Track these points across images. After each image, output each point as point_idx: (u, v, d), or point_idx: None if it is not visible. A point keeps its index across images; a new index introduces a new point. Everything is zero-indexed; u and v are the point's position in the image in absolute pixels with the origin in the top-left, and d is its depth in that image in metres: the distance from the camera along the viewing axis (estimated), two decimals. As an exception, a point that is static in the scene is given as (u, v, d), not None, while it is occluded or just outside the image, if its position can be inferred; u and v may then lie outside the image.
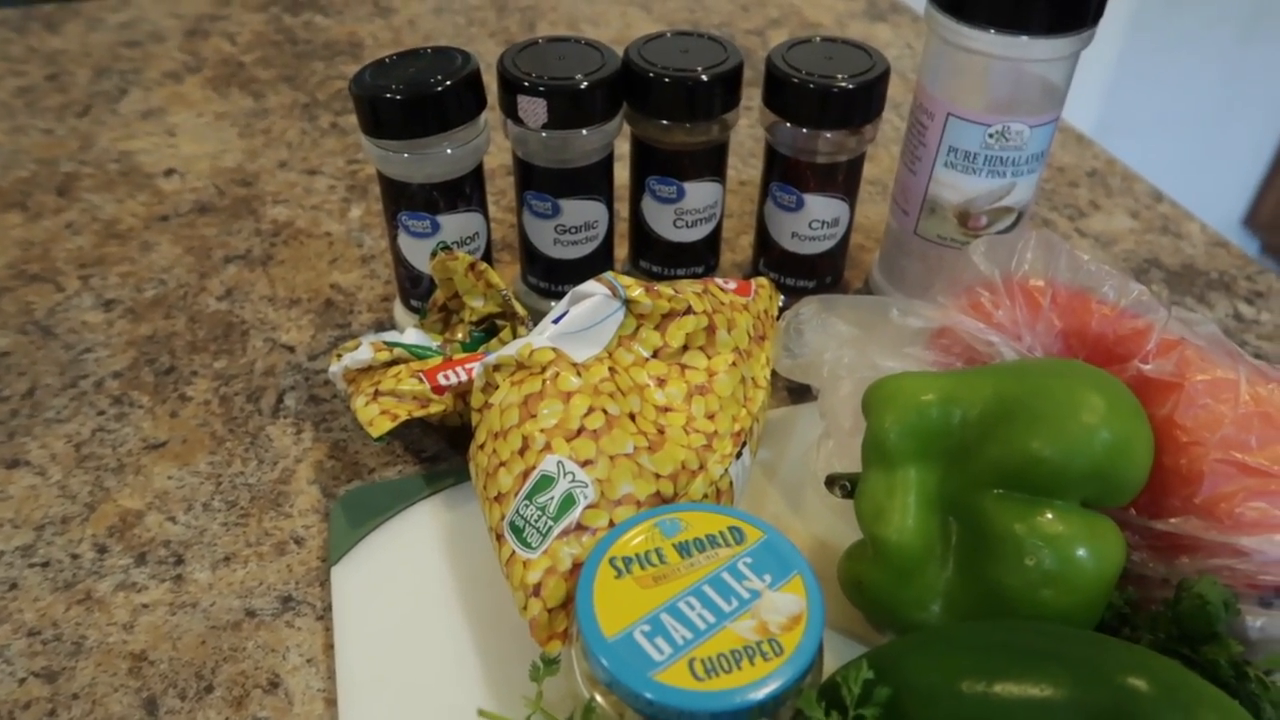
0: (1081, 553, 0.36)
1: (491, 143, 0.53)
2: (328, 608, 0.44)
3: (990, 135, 0.52)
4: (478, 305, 0.52)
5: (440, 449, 0.52)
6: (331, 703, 0.41)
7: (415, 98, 0.48)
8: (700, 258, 0.59)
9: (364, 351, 0.48)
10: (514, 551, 0.40)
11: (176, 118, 0.80)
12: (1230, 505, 0.36)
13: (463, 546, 0.46)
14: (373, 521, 0.47)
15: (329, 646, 0.43)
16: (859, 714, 0.34)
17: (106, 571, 0.46)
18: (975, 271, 0.44)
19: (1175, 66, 1.82)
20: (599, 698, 0.35)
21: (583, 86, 0.50)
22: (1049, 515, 0.37)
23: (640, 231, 0.59)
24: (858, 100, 0.52)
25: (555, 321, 0.45)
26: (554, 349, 0.43)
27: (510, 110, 0.51)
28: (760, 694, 0.32)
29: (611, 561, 0.37)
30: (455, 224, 0.53)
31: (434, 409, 0.47)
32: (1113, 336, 0.41)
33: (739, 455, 0.45)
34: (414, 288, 0.56)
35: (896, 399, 0.41)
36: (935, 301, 0.45)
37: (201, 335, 0.59)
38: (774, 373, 0.50)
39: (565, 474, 0.40)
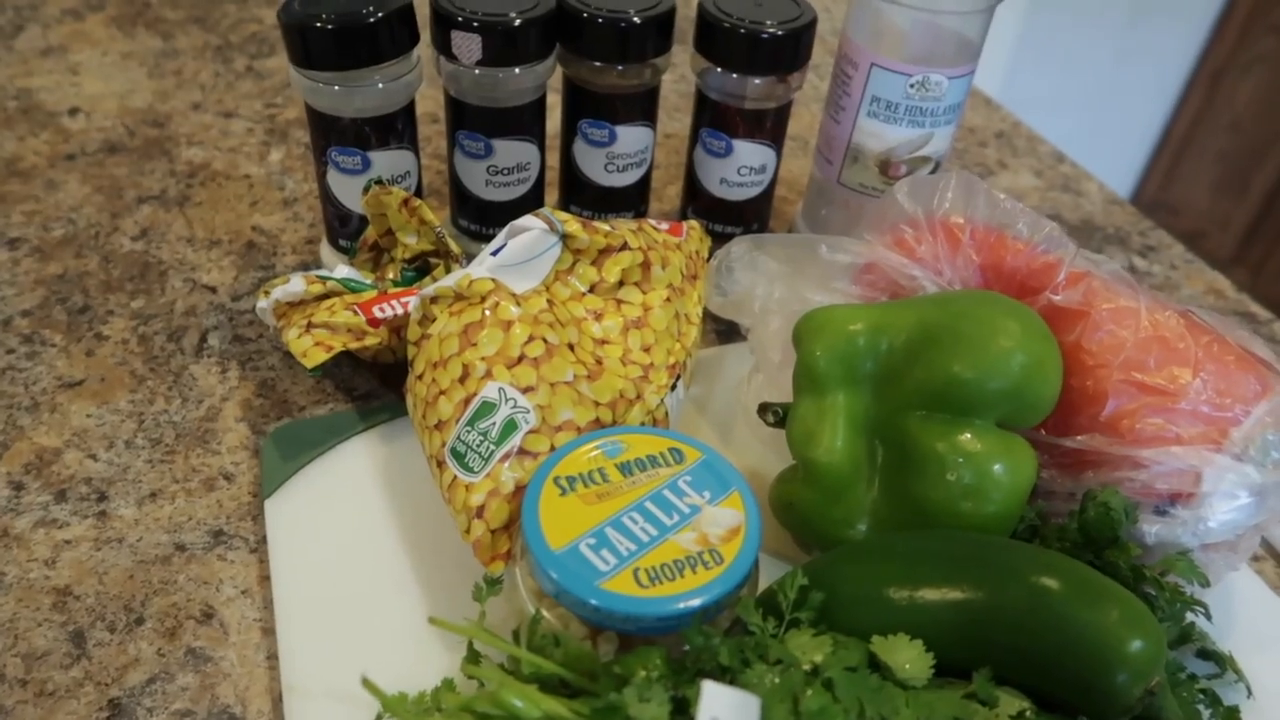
0: (998, 468, 0.38)
1: (423, 81, 0.53)
2: (261, 540, 0.44)
3: (911, 85, 0.54)
4: (411, 242, 0.51)
5: (372, 387, 0.52)
6: (269, 632, 0.41)
7: (347, 27, 0.47)
8: (631, 203, 0.60)
9: (296, 284, 0.48)
10: (456, 476, 0.40)
11: (79, 56, 0.76)
12: (1131, 421, 0.39)
13: (400, 478, 0.46)
14: (306, 455, 0.46)
15: (264, 578, 0.42)
16: (794, 617, 0.36)
17: (24, 509, 0.44)
18: (899, 210, 0.46)
19: (1070, 48, 1.90)
20: (545, 611, 0.36)
21: (517, 24, 0.50)
22: (968, 434, 0.39)
23: (571, 175, 0.59)
24: (786, 47, 0.53)
25: (494, 254, 0.45)
26: (493, 280, 0.44)
27: (444, 46, 0.51)
28: (702, 599, 0.34)
29: (556, 480, 0.37)
30: (387, 161, 0.53)
31: (369, 341, 0.47)
32: (1026, 270, 0.43)
33: (673, 387, 0.46)
34: (342, 227, 0.55)
35: (826, 329, 0.42)
36: (861, 239, 0.47)
37: (116, 275, 0.57)
38: (705, 313, 0.51)
39: (507, 400, 0.41)
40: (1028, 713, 0.33)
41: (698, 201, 0.60)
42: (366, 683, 0.31)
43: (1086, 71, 1.97)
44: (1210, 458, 0.37)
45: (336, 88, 0.50)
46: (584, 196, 0.59)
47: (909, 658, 0.34)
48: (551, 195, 0.62)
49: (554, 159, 0.60)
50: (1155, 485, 0.38)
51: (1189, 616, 0.40)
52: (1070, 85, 1.95)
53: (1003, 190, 0.72)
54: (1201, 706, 0.38)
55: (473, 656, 0.36)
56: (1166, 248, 0.68)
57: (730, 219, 0.60)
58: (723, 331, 0.57)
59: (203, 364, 0.52)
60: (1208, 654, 0.41)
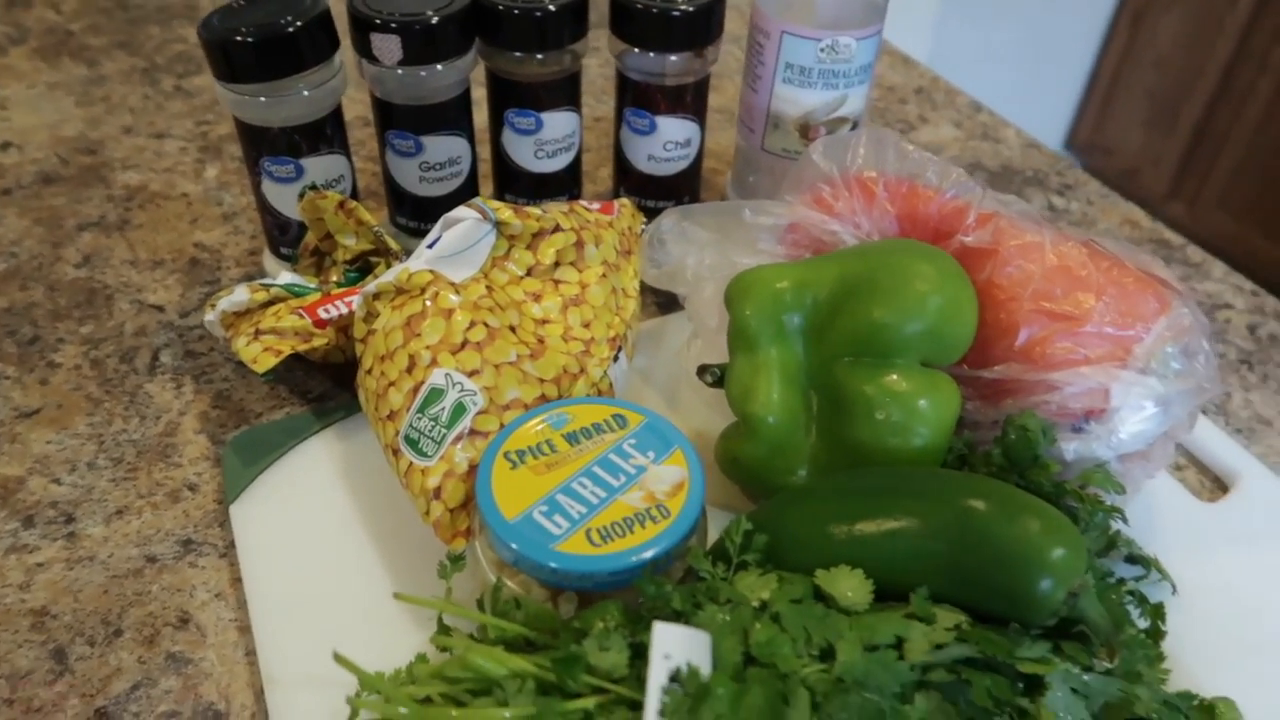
0: (923, 404, 0.41)
1: (349, 85, 0.54)
2: (230, 545, 0.45)
3: (822, 49, 0.56)
4: (350, 243, 0.53)
5: (326, 388, 0.53)
6: (245, 630, 0.42)
7: (267, 38, 0.48)
8: (564, 187, 0.62)
9: (240, 294, 0.49)
10: (411, 462, 0.42)
11: (5, 90, 0.76)
12: (1043, 348, 0.41)
13: (359, 472, 0.47)
14: (267, 459, 0.48)
15: (236, 580, 0.44)
16: (742, 560, 0.38)
17: (-7, 537, 0.45)
18: (816, 170, 0.48)
19: (990, 3, 1.94)
20: (506, 579, 0.38)
21: (435, 21, 0.51)
22: (894, 375, 0.41)
23: (503, 165, 0.60)
24: (699, 22, 0.55)
25: (430, 246, 0.46)
26: (431, 271, 0.45)
27: (364, 49, 0.52)
28: (652, 551, 0.36)
29: (506, 455, 0.39)
30: (320, 166, 0.54)
31: (317, 343, 0.48)
32: (938, 215, 0.45)
33: (616, 359, 0.48)
34: (282, 235, 0.56)
35: (754, 288, 0.44)
36: (783, 200, 0.49)
37: (63, 303, 0.58)
38: (643, 286, 0.53)
39: (454, 385, 0.42)
40: (963, 625, 0.36)
41: (628, 180, 0.62)
42: (339, 657, 0.32)
43: (1015, 20, 2.00)
44: (1117, 374, 0.40)
45: (262, 99, 0.51)
46: (518, 185, 0.61)
47: (850, 586, 0.36)
48: (486, 187, 0.64)
49: (487, 151, 0.61)
50: (1069, 405, 0.40)
51: (1114, 526, 0.43)
52: (1000, 36, 1.98)
53: (924, 143, 0.75)
54: (1131, 607, 0.41)
55: (442, 629, 0.38)
56: (1083, 185, 0.71)
57: (661, 194, 0.62)
58: (662, 303, 0.59)
59: (157, 382, 0.53)
60: (1134, 558, 0.43)
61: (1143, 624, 0.40)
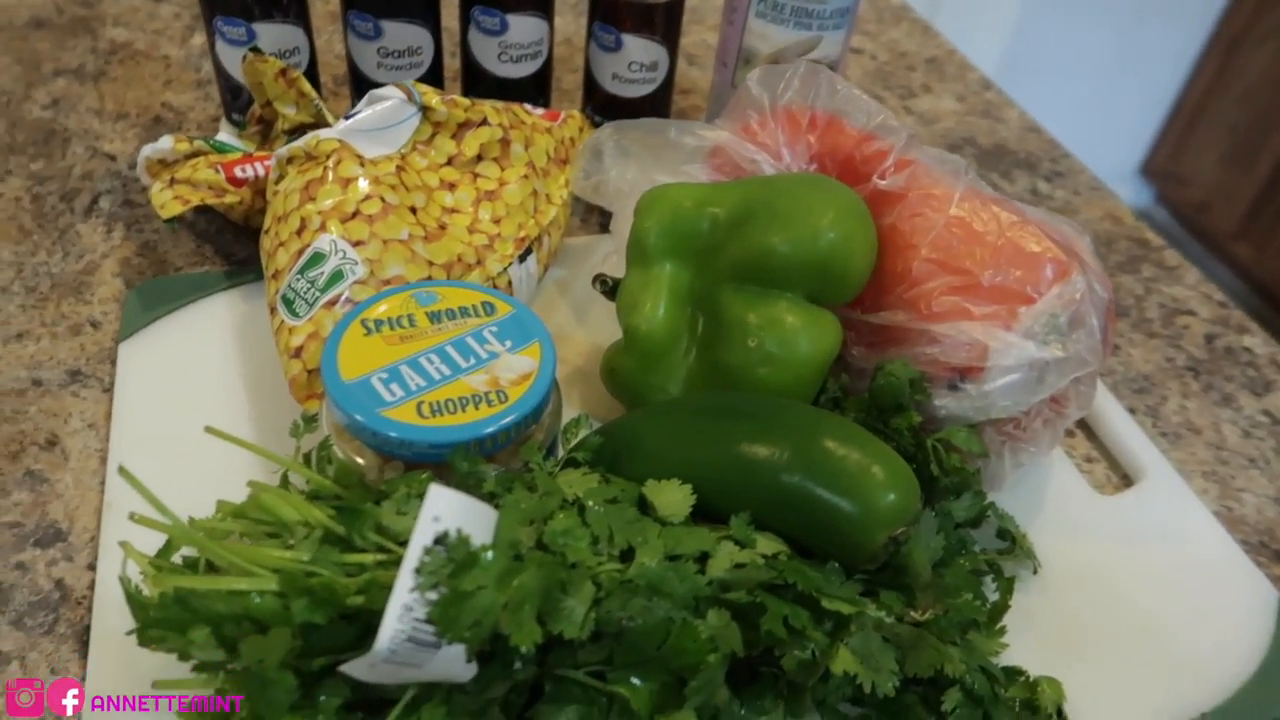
0: (798, 338, 0.40)
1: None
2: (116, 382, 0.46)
3: (796, -16, 0.54)
4: (290, 113, 0.53)
5: (250, 253, 0.53)
6: (107, 461, 0.43)
7: (225, -107, 0.49)
8: (528, 95, 0.61)
9: (165, 142, 0.49)
10: (283, 321, 0.42)
11: (23, -62, 0.78)
12: (930, 299, 0.40)
13: (252, 332, 0.48)
14: (167, 306, 0.48)
15: (112, 415, 0.45)
16: (572, 457, 0.37)
17: (-106, 340, 0.47)
18: (751, 98, 0.47)
19: (1081, 9, 1.86)
20: (343, 442, 0.38)
21: (401, -99, 0.51)
22: (775, 305, 0.40)
23: (469, 66, 0.60)
24: (672, -61, 0.54)
25: (347, 118, 0.46)
26: (340, 140, 0.45)
27: (329, -79, 0.52)
28: (477, 433, 0.35)
29: (363, 322, 0.39)
30: (273, 34, 0.54)
31: (229, 199, 0.48)
32: (859, 156, 0.44)
33: (523, 259, 0.48)
34: (234, 100, 0.57)
35: (658, 204, 0.44)
36: (712, 125, 0.48)
37: (20, 139, 0.59)
38: (591, 206, 0.52)
39: (337, 251, 0.42)
40: (783, 555, 0.35)
41: (594, 97, 0.61)
42: (123, 471, 0.33)
43: (1103, 30, 1.92)
44: (996, 333, 0.38)
45: (220, -45, 0.51)
46: (481, 87, 0.60)
47: (674, 499, 0.35)
48: (454, 87, 0.63)
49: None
50: (947, 358, 0.39)
51: (989, 498, 0.41)
52: (1088, 42, 1.91)
53: (922, 111, 0.72)
54: (989, 578, 0.40)
55: (284, 482, 0.38)
56: (1076, 174, 0.68)
57: (625, 116, 0.60)
58: (605, 224, 0.58)
59: (90, 224, 0.54)
60: (1004, 533, 0.42)
61: (994, 596, 0.39)
